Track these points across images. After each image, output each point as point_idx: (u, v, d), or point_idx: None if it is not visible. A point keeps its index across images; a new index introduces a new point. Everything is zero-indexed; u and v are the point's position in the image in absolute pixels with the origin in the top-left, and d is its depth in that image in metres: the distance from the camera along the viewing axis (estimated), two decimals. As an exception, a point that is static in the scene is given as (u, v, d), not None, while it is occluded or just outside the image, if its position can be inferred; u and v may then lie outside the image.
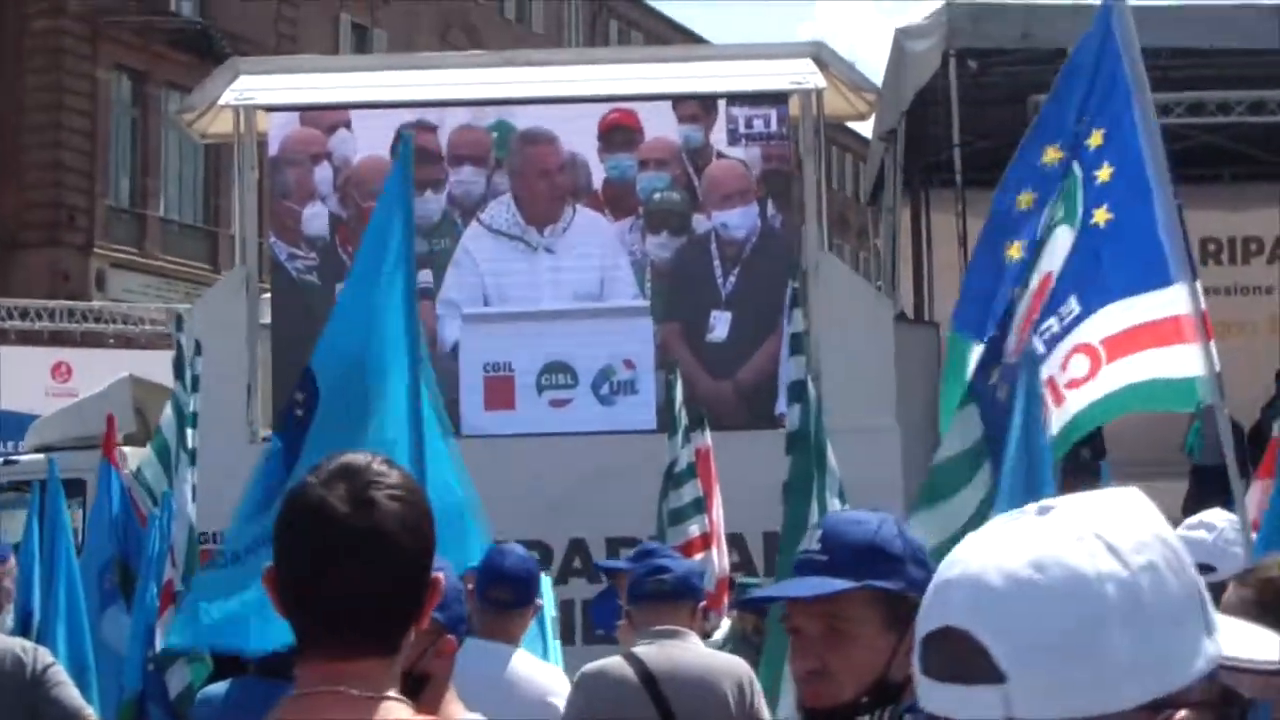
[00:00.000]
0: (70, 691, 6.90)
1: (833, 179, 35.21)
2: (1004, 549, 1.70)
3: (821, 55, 17.15)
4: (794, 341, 8.25)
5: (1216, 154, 19.87)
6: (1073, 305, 5.84)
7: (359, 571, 2.63)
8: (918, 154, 19.82)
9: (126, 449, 13.21)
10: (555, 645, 8.18)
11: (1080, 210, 6.01)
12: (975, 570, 1.70)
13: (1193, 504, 17.47)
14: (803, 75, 16.81)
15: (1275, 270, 21.63)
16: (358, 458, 2.75)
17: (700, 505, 10.51)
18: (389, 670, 2.68)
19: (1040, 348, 5.72)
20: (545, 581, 7.74)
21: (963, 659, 1.67)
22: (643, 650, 6.64)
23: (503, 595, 6.72)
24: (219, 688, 6.42)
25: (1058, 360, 5.72)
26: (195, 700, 6.62)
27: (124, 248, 39.80)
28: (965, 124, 17.99)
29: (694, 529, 10.40)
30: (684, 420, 10.86)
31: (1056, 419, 5.56)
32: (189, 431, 8.49)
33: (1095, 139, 6.04)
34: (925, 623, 1.73)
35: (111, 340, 32.19)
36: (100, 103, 39.81)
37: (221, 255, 38.66)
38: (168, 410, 9.27)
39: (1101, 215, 5.95)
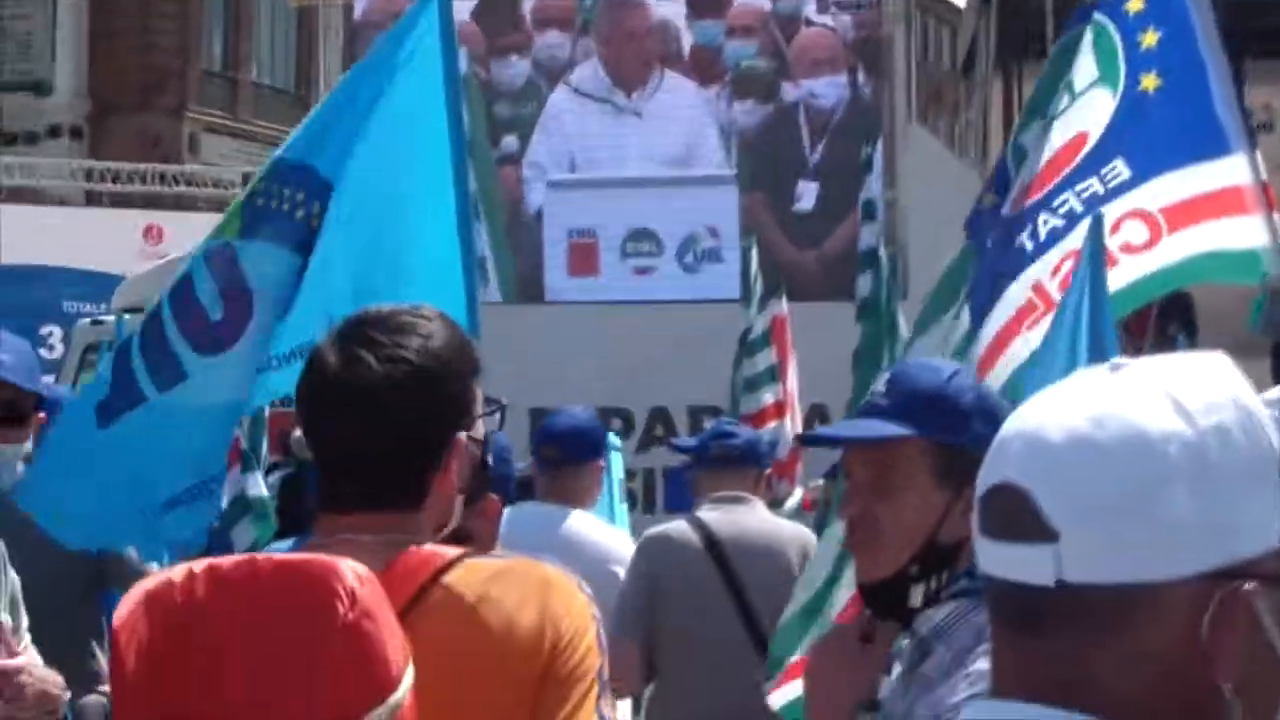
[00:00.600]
0: (133, 550, 6.89)
1: (929, 51, 34.71)
2: (1068, 405, 1.63)
3: (915, -78, 16.91)
4: (866, 208, 8.12)
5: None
6: (1120, 168, 5.64)
7: (350, 427, 2.67)
8: (1011, 24, 19.45)
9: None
10: (622, 509, 8.14)
11: (1123, 75, 5.81)
12: (1035, 425, 1.63)
13: (1274, 382, 17.25)
14: (895, -57, 16.59)
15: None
16: (377, 312, 2.78)
17: (774, 373, 10.35)
18: (410, 525, 2.68)
19: (1079, 207, 5.57)
20: (612, 443, 7.67)
21: (1016, 516, 1.60)
22: (707, 515, 6.59)
23: (550, 453, 6.67)
24: (284, 545, 6.38)
25: (1105, 222, 5.56)
26: (260, 558, 6.58)
27: (216, 111, 39.80)
28: (1061, -6, 17.63)
29: (768, 397, 10.24)
30: (759, 288, 10.72)
31: (1109, 282, 5.42)
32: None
33: (1135, 2, 5.84)
34: (984, 479, 1.66)
35: (203, 204, 32.28)
36: (193, -35, 39.74)
37: (312, 120, 38.55)
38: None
39: (1150, 81, 5.75)
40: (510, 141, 16.34)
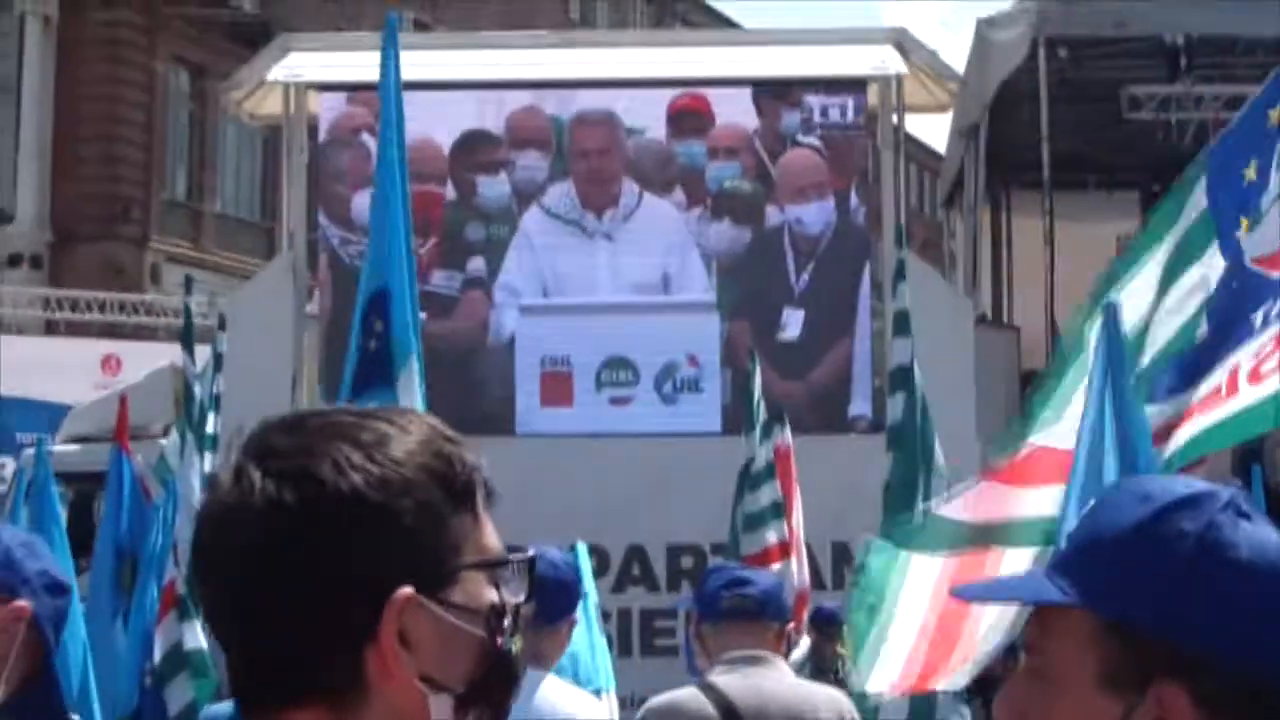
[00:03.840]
0: None
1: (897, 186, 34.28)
2: None
3: (903, 42, 16.32)
4: (899, 321, 7.29)
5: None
6: None
7: (222, 571, 1.76)
8: (1000, 151, 18.85)
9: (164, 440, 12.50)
10: (602, 641, 7.12)
11: None
12: None
13: None
14: (883, 61, 15.95)
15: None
16: (301, 413, 1.88)
17: (779, 509, 9.37)
18: None
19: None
20: (584, 566, 6.71)
21: None
22: (722, 679, 5.53)
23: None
24: (225, 707, 5.67)
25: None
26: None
27: (179, 242, 39.25)
28: (1054, 119, 17.01)
29: (771, 536, 9.26)
30: (763, 414, 9.77)
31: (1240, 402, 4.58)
32: (210, 415, 7.66)
33: None
34: None
35: (163, 333, 31.64)
36: (157, 95, 39.30)
37: (277, 250, 38.10)
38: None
39: None
40: (477, 263, 15.64)
